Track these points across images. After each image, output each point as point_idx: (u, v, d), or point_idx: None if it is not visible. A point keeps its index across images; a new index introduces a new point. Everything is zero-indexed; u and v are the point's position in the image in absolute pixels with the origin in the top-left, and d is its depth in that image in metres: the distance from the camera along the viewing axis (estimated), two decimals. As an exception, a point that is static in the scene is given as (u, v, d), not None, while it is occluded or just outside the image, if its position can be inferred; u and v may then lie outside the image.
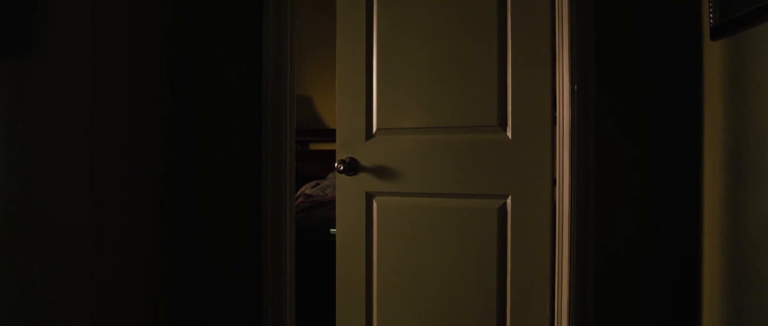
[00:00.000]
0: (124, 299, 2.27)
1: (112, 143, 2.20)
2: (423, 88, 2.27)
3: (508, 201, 2.15)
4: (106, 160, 2.16)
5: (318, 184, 4.79)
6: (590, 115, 2.04)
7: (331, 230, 3.42)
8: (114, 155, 2.21)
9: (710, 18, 1.78)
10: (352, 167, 2.36)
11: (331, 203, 3.91)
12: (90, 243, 2.06)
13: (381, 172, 2.33)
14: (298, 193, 4.59)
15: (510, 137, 2.14)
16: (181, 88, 2.57)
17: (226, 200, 2.49)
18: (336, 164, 2.34)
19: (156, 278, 2.47)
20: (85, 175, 2.05)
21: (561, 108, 2.08)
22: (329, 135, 5.16)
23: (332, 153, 4.93)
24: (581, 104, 2.04)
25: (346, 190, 2.40)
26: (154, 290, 2.46)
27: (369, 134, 2.36)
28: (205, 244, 2.54)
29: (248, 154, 2.44)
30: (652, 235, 2.04)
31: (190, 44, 2.56)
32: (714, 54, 1.82)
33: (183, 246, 2.57)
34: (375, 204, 2.35)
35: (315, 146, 5.50)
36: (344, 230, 2.40)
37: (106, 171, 2.17)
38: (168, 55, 2.53)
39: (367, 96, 2.35)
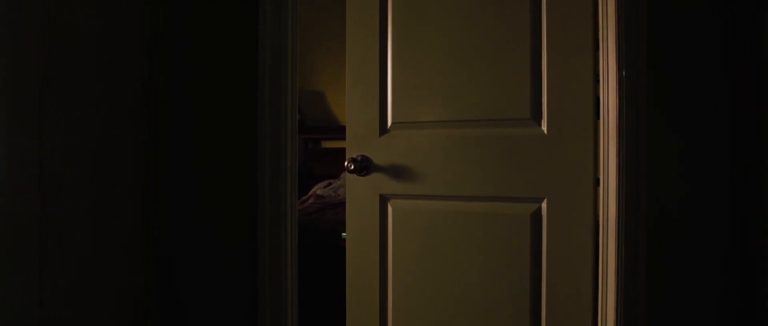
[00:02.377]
0: (88, 302, 2.04)
1: (71, 135, 1.97)
2: (444, 76, 1.99)
3: (544, 205, 1.87)
4: (61, 156, 1.93)
5: (330, 184, 4.53)
6: (641, 105, 1.75)
7: (343, 234, 3.18)
8: (73, 149, 1.98)
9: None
10: (364, 166, 2.09)
11: (343, 204, 3.64)
12: (39, 246, 1.83)
13: (397, 172, 2.06)
14: (309, 194, 4.34)
15: (545, 132, 1.86)
16: (163, 77, 2.33)
17: (217, 200, 2.26)
18: (346, 163, 2.08)
19: (135, 281, 2.23)
20: (32, 172, 1.82)
21: (606, 98, 1.80)
22: (343, 132, 4.85)
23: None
24: (630, 93, 1.75)
25: (357, 192, 2.13)
26: (132, 293, 2.21)
27: (383, 129, 2.09)
28: (194, 246, 2.31)
29: (243, 151, 2.19)
30: (716, 248, 1.74)
31: (173, 28, 2.32)
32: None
33: (169, 248, 2.33)
34: (390, 208, 2.08)
35: (327, 144, 5.25)
36: (355, 237, 2.14)
37: (62, 168, 1.94)
38: (147, 38, 2.28)
39: (380, 85, 2.08)
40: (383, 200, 2.09)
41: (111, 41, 2.13)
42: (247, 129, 2.19)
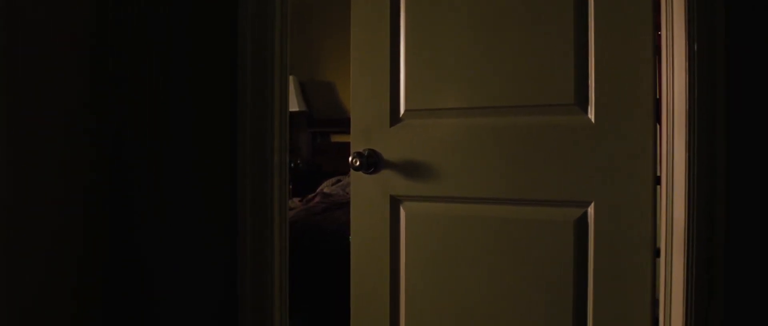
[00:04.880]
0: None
1: None
2: (468, 53, 1.65)
3: (591, 210, 1.53)
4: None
5: (339, 181, 4.22)
6: (718, 87, 1.40)
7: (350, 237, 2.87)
8: None
9: None
10: (372, 162, 1.76)
11: (352, 204, 3.34)
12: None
13: (410, 169, 1.72)
14: (315, 192, 4.03)
15: (593, 120, 1.52)
16: (116, 61, 2.01)
17: (188, 206, 1.93)
18: (350, 158, 1.74)
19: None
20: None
21: (670, 77, 1.45)
22: (352, 125, 4.60)
23: (356, 145, 4.37)
24: (704, 71, 1.40)
25: (363, 192, 1.80)
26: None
27: (395, 118, 1.76)
28: (161, 255, 1.99)
29: (219, 150, 1.87)
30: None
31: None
32: None
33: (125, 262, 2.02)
34: (402, 212, 1.75)
35: (337, 138, 4.94)
36: (361, 247, 1.81)
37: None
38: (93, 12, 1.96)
39: (391, 66, 1.75)
40: (394, 202, 1.76)
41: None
42: (223, 116, 1.88)
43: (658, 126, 1.49)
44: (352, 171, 1.78)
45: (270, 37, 1.81)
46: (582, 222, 1.54)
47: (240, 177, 1.80)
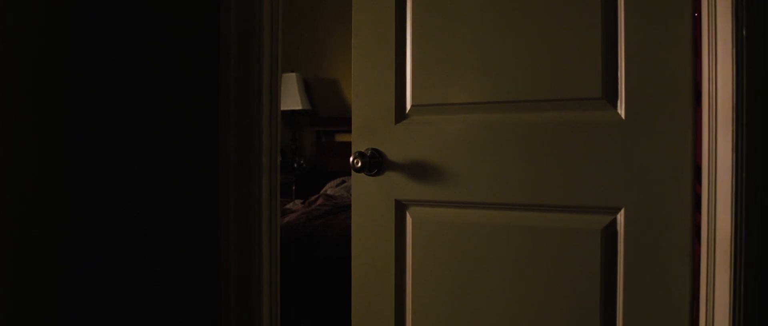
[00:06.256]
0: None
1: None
2: (482, 42, 1.49)
3: (620, 217, 1.36)
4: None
5: (343, 182, 4.05)
6: (770, 77, 1.23)
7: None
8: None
9: None
10: (375, 163, 1.59)
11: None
12: None
13: (417, 171, 1.56)
14: (319, 194, 3.87)
15: (623, 116, 1.35)
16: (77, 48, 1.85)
17: (163, 208, 1.77)
18: (351, 158, 1.58)
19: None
20: None
21: (712, 68, 1.28)
22: (358, 124, 4.44)
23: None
24: (753, 62, 1.23)
25: (365, 196, 1.63)
26: None
27: (400, 114, 1.59)
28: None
29: (198, 152, 1.71)
30: None
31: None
32: None
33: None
34: (409, 219, 1.58)
35: (342, 137, 4.78)
36: (363, 254, 1.64)
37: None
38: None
39: (397, 56, 1.58)
40: (400, 207, 1.59)
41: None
42: (205, 114, 1.72)
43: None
44: (353, 172, 1.62)
45: (258, 31, 1.65)
46: (611, 230, 1.37)
47: (222, 181, 1.64)
